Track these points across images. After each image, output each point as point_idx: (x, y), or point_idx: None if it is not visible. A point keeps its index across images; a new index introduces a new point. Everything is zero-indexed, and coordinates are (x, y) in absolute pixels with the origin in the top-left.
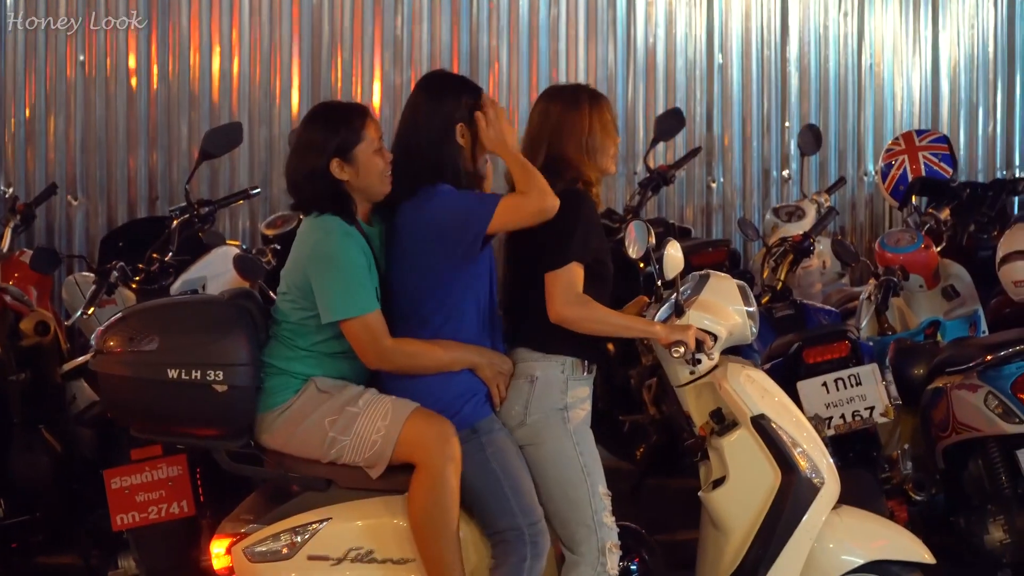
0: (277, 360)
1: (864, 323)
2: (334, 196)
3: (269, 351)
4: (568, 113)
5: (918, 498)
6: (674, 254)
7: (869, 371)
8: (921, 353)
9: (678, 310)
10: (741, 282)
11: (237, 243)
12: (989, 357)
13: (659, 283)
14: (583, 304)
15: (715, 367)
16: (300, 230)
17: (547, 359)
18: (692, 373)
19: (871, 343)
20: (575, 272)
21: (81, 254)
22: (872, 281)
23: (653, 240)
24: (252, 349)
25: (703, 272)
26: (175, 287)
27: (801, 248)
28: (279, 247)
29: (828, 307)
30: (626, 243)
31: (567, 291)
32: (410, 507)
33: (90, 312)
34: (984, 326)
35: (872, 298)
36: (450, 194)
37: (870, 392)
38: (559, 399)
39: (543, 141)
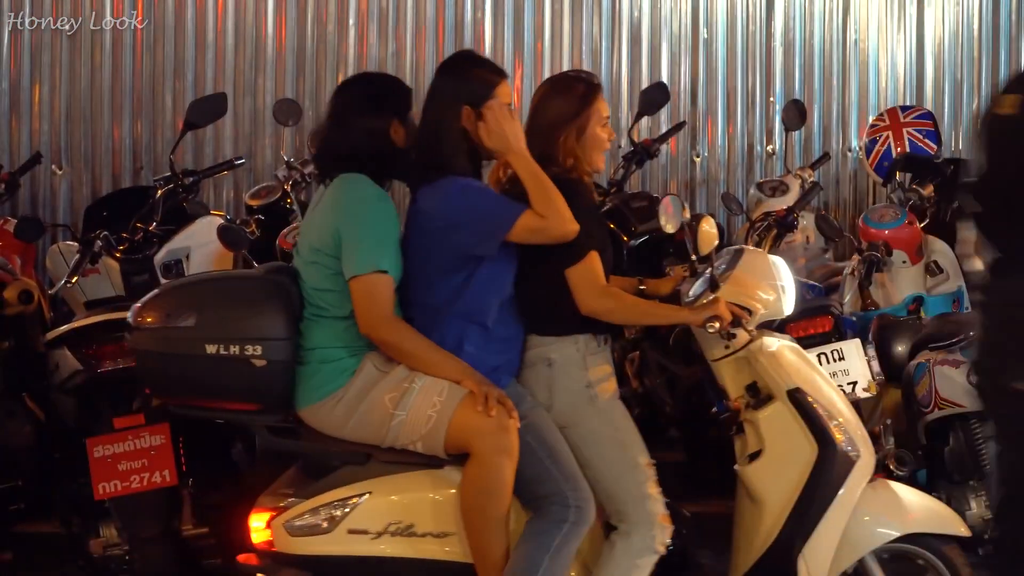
0: (322, 343)
1: (847, 298)
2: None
3: (310, 336)
4: (565, 105)
5: (900, 473)
6: (708, 230)
7: (852, 346)
8: (904, 329)
9: (713, 285)
10: (777, 257)
11: (221, 213)
12: (972, 333)
13: (694, 257)
14: (611, 296)
15: (750, 341)
16: (332, 188)
17: (559, 340)
18: (727, 348)
19: (854, 318)
20: (595, 262)
21: (65, 223)
22: (855, 257)
23: (688, 214)
24: (289, 323)
25: (737, 247)
26: (159, 257)
27: (785, 223)
28: (263, 218)
29: (811, 282)
30: (661, 218)
31: (593, 284)
32: (462, 495)
33: (73, 281)
34: (967, 302)
35: (855, 273)
36: (472, 191)
37: (853, 367)
38: (581, 377)
39: (540, 130)
